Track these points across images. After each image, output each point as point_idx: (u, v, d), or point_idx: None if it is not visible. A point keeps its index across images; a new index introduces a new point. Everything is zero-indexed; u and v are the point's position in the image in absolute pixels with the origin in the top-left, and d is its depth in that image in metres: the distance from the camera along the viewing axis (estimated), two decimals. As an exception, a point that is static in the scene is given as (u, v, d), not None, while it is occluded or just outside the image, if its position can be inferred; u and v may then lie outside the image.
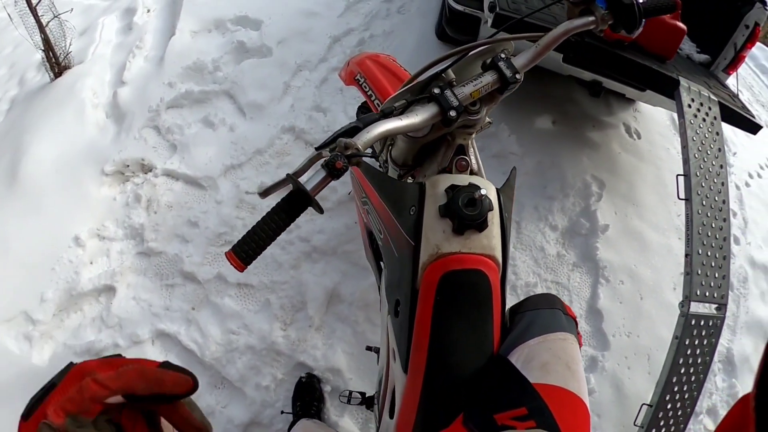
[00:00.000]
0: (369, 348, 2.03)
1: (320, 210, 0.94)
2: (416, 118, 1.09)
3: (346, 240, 2.98)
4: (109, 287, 2.83)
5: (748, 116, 2.92)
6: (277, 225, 0.90)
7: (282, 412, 2.48)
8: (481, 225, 1.07)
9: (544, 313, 1.13)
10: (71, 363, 0.53)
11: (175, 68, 3.83)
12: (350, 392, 1.98)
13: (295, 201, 0.91)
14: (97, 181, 3.24)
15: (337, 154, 0.92)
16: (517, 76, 1.16)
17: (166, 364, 0.52)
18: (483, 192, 1.04)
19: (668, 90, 2.82)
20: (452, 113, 1.10)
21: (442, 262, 1.04)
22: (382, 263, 1.39)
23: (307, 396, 2.51)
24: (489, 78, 1.15)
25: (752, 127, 2.98)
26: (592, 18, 1.21)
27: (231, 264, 0.88)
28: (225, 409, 2.54)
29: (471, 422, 0.89)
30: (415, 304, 1.06)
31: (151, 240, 3.00)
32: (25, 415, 0.49)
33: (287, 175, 0.99)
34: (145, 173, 3.33)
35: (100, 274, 2.85)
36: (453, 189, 1.09)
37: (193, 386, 0.51)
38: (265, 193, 1.21)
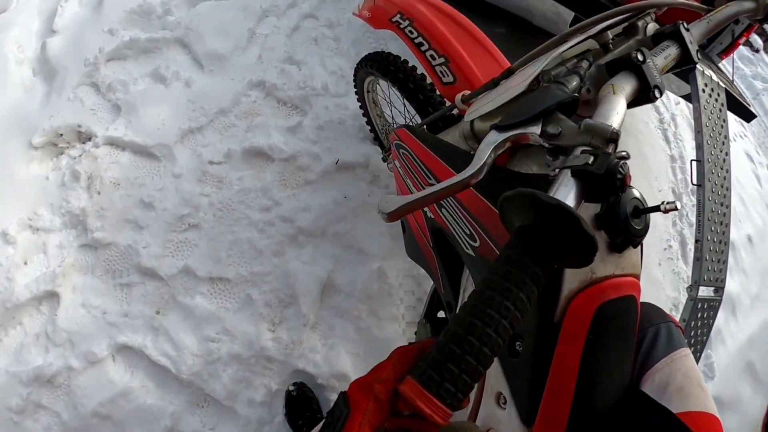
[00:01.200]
0: None
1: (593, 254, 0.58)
2: (624, 92, 0.81)
3: (336, 218, 2.51)
4: (51, 293, 2.28)
5: (745, 104, 2.88)
6: (519, 307, 0.56)
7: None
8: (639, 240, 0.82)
9: (662, 328, 0.98)
10: (342, 392, 0.61)
11: (117, 12, 3.15)
12: None
13: (547, 246, 0.58)
14: (25, 157, 2.64)
15: (607, 156, 0.64)
16: (699, 55, 0.97)
17: None
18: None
19: (683, 71, 2.58)
20: (657, 93, 0.84)
21: (596, 289, 0.82)
22: (464, 279, 1.14)
23: (307, 410, 2.12)
24: (674, 50, 0.96)
25: (748, 115, 2.98)
26: (754, 5, 1.11)
27: (426, 414, 0.55)
28: (213, 431, 2.12)
29: None
30: (550, 341, 0.83)
31: (96, 229, 2.44)
32: None
33: (518, 192, 0.59)
34: (83, 143, 2.74)
35: (38, 278, 2.30)
36: None
37: None
38: (395, 215, 0.77)
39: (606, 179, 0.62)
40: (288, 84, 2.91)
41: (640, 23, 1.02)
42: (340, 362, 2.22)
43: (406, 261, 2.41)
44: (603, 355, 0.82)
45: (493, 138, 0.79)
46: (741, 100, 2.85)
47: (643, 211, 0.78)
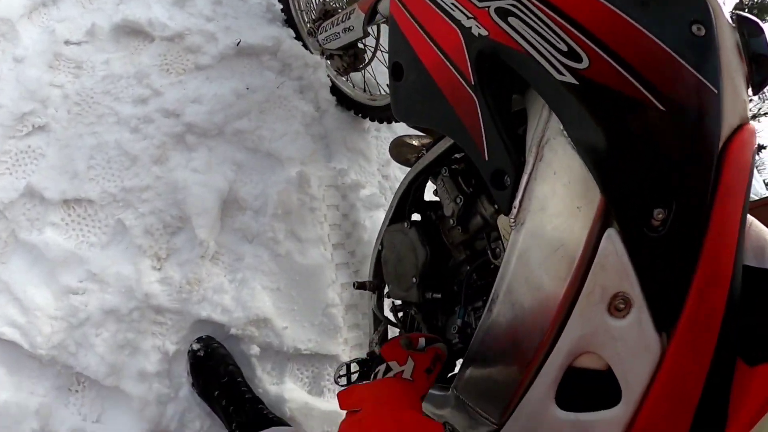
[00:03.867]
0: (361, 285, 1.37)
1: None
2: None
3: (237, 113, 1.89)
4: None
5: None
6: None
7: None
8: None
9: None
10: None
11: None
12: (348, 366, 1.21)
13: None
14: None
15: None
16: None
17: None
18: None
19: None
20: None
21: (750, 129, 0.71)
22: (538, 124, 0.81)
23: (221, 373, 1.58)
24: None
25: None
26: None
27: None
28: (100, 424, 1.54)
29: None
30: (707, 203, 0.68)
31: None
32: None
33: None
34: None
35: None
36: (743, 20, 0.73)
37: None
38: None
39: None
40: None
41: None
42: (256, 302, 1.67)
43: (328, 168, 1.96)
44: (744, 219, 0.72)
45: None
46: None
47: None
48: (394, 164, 2.15)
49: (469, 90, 0.90)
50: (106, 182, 1.70)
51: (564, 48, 0.76)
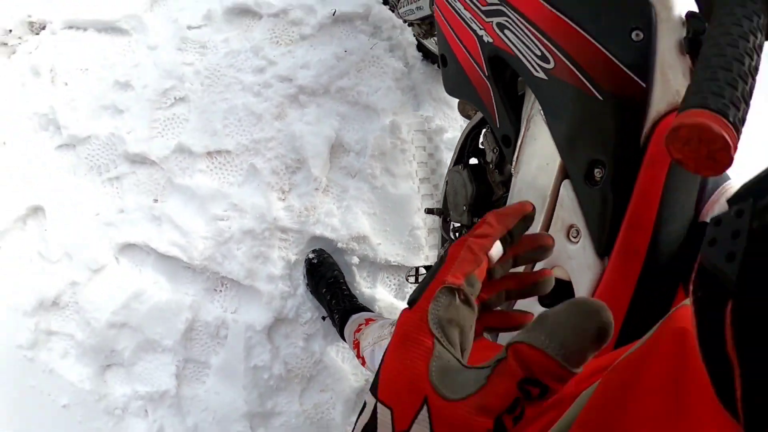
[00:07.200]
0: (430, 211, 1.67)
1: None
2: None
3: (339, 74, 2.14)
4: (35, 208, 2.00)
5: None
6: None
7: (323, 318, 1.99)
8: None
9: None
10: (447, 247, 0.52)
11: None
12: (417, 269, 1.70)
13: None
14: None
15: None
16: None
17: None
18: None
19: None
20: None
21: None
22: (528, 108, 1.08)
23: (329, 276, 1.95)
24: None
25: None
26: None
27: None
28: (237, 314, 1.94)
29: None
30: (632, 168, 0.82)
31: (69, 124, 2.05)
32: (410, 303, 0.47)
33: None
34: (37, 34, 2.27)
35: (17, 195, 2.01)
36: (694, 18, 0.81)
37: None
38: None
39: None
40: None
41: None
42: (358, 224, 2.01)
43: (416, 116, 2.18)
44: (682, 185, 0.83)
45: None
46: None
47: None
48: (471, 113, 2.39)
49: (485, 78, 1.17)
50: (239, 136, 2.02)
51: (539, 53, 0.96)
